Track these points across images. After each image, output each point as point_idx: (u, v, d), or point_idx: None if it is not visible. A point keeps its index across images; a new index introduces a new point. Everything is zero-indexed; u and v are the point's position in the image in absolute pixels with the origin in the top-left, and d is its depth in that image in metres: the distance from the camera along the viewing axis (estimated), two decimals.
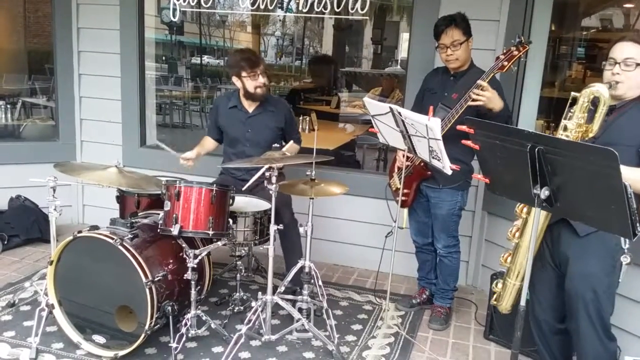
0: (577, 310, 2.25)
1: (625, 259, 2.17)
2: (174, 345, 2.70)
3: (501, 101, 2.82)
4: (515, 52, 2.83)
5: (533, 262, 2.27)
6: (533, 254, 2.06)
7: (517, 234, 2.31)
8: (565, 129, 2.15)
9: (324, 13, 4.08)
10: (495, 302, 2.51)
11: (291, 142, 3.54)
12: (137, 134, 4.56)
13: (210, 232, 2.78)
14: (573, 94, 2.14)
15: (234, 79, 3.40)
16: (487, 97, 2.77)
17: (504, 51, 2.87)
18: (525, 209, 2.26)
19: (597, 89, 2.10)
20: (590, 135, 2.13)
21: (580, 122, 2.13)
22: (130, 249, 2.62)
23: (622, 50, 2.18)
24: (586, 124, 2.13)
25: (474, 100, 2.80)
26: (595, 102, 2.12)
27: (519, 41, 2.84)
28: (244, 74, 3.33)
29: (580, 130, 2.13)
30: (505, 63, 2.84)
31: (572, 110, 2.15)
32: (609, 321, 2.29)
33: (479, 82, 2.79)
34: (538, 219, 1.92)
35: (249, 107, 3.48)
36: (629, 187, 1.60)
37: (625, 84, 2.17)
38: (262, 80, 3.36)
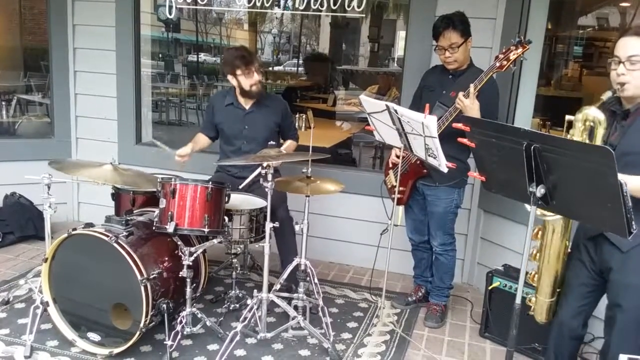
0: (615, 320, 2.19)
1: None
2: (169, 342, 2.70)
3: (478, 113, 2.79)
4: (515, 52, 2.82)
5: (568, 265, 2.29)
6: (527, 258, 2.06)
7: (538, 255, 2.30)
8: None
9: (320, 11, 4.07)
10: (532, 313, 2.47)
11: (289, 141, 3.54)
12: (133, 132, 4.54)
13: (206, 230, 2.77)
14: (568, 118, 2.01)
15: (230, 77, 3.39)
16: (466, 105, 2.79)
17: (503, 50, 2.86)
18: (540, 233, 2.24)
19: (590, 113, 1.96)
20: None
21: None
22: (126, 246, 2.61)
23: (626, 46, 1.99)
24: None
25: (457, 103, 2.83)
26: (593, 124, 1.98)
27: (518, 41, 2.83)
28: (238, 72, 3.32)
29: None
30: (504, 62, 2.82)
31: (570, 134, 2.02)
32: None
33: (471, 86, 2.80)
34: (534, 217, 1.92)
35: (246, 104, 3.47)
36: (625, 185, 1.60)
37: (632, 84, 1.99)
38: (257, 77, 3.35)
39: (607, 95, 2.03)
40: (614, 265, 2.15)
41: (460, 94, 2.82)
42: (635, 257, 2.09)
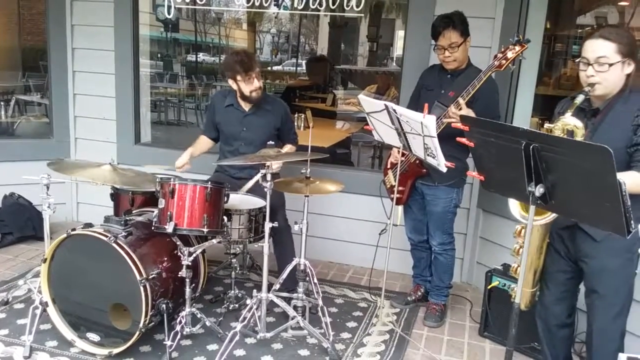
0: (594, 307, 2.24)
1: None
2: (168, 343, 2.70)
3: None
4: (513, 51, 2.82)
5: (547, 254, 2.33)
6: (527, 257, 2.07)
7: (520, 251, 2.32)
8: None
9: (319, 10, 4.07)
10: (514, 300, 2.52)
11: (288, 145, 3.53)
12: (132, 132, 4.54)
13: (205, 230, 2.77)
14: (547, 126, 2.06)
15: (230, 81, 3.37)
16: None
17: (502, 50, 2.86)
18: (522, 232, 2.26)
19: (569, 122, 2.01)
20: None
21: None
22: (125, 246, 2.61)
23: (593, 49, 2.09)
24: None
25: (449, 117, 2.82)
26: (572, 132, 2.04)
27: (517, 40, 2.84)
28: (239, 77, 3.30)
29: None
30: (503, 62, 2.83)
31: None
32: (626, 317, 2.25)
33: (459, 99, 2.80)
34: (532, 216, 1.92)
35: (246, 106, 3.46)
36: (624, 184, 1.60)
37: (602, 84, 2.09)
38: (257, 84, 3.33)
39: (580, 99, 2.08)
40: (588, 252, 2.21)
41: (452, 107, 2.82)
42: (609, 244, 2.14)
